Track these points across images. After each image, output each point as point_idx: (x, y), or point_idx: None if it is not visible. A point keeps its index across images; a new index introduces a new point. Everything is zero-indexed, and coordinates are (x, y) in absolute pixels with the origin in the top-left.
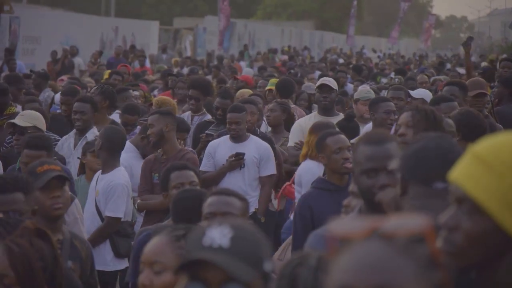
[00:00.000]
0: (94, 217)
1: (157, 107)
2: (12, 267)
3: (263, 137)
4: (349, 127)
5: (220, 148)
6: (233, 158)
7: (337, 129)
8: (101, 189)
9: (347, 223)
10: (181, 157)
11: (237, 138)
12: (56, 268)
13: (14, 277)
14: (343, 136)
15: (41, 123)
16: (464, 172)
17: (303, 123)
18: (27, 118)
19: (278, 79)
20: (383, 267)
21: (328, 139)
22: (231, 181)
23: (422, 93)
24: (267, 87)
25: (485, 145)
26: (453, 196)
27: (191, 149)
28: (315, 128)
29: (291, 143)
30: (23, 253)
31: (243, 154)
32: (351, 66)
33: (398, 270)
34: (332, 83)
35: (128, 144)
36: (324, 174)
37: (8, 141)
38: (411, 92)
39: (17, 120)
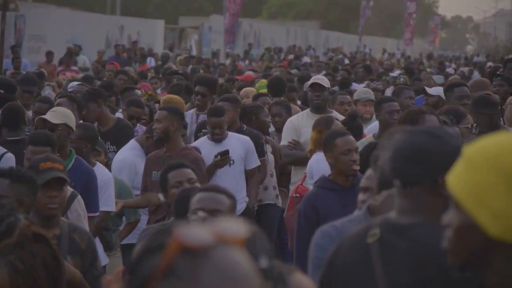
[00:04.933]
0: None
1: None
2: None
3: (250, 133)
4: (353, 127)
5: (202, 150)
6: (219, 158)
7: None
8: None
9: (192, 231)
10: (184, 156)
11: (220, 140)
12: (57, 270)
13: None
14: (351, 137)
15: (72, 121)
16: (453, 172)
17: (296, 121)
18: (58, 115)
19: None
20: (253, 277)
21: (338, 140)
22: (223, 179)
23: (439, 90)
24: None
25: (475, 146)
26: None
27: (196, 146)
28: (316, 124)
29: (284, 142)
30: (27, 270)
31: (227, 151)
32: (359, 65)
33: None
34: (325, 81)
35: (133, 142)
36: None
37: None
38: (427, 89)
39: (48, 116)
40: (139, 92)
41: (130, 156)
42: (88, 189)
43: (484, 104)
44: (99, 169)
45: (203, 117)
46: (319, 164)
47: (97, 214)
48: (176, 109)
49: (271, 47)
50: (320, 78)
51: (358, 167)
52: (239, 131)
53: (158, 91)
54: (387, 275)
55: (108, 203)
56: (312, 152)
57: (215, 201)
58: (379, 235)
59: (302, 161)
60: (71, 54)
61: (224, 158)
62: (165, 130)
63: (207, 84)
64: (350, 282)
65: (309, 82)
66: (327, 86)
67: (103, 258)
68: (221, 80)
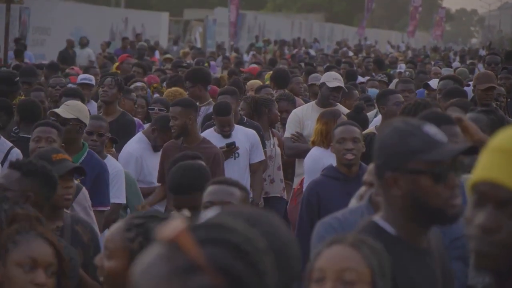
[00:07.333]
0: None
1: (170, 99)
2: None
3: (251, 125)
4: (358, 119)
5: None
6: (226, 149)
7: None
8: None
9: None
10: (204, 150)
11: (229, 135)
12: (62, 267)
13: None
14: (351, 127)
15: (85, 116)
16: (493, 167)
17: (300, 113)
18: (71, 109)
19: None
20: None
21: (337, 129)
22: (227, 173)
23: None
24: (266, 82)
25: (507, 137)
26: (487, 196)
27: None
28: (321, 116)
29: (287, 134)
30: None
31: (234, 142)
32: (367, 59)
33: (152, 276)
34: (342, 82)
35: (140, 135)
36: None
37: (16, 131)
38: (429, 82)
39: (60, 111)
40: (142, 84)
41: (138, 148)
42: (99, 182)
43: (454, 95)
44: (110, 162)
45: (204, 109)
46: (309, 160)
47: (107, 207)
48: (190, 101)
49: (271, 39)
50: (339, 79)
51: (352, 157)
52: (240, 123)
53: (164, 84)
54: None
55: (118, 195)
56: (314, 143)
57: (226, 193)
58: None
59: (305, 154)
60: (71, 48)
61: (231, 149)
62: (183, 126)
63: (192, 76)
64: None
65: (333, 85)
66: (343, 87)
67: None
68: (224, 73)
